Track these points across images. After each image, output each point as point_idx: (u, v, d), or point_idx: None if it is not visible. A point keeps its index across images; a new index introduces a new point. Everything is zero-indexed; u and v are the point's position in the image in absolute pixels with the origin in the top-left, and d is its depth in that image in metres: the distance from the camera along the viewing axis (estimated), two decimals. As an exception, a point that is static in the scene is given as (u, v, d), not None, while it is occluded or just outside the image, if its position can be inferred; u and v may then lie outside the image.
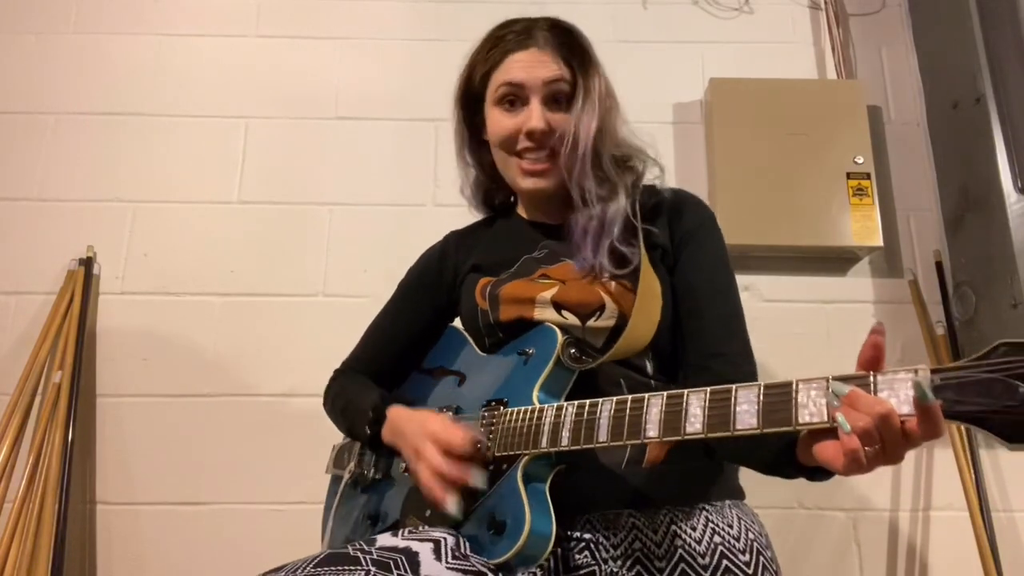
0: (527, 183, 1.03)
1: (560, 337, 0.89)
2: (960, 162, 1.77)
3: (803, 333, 1.78)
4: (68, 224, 1.83)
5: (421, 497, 0.93)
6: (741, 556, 0.87)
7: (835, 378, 0.64)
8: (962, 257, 1.74)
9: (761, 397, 0.67)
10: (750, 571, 0.86)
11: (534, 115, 1.00)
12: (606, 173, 1.00)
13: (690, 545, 0.86)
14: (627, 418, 0.76)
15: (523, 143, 1.01)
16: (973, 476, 1.60)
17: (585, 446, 0.78)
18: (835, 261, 1.83)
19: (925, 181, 1.89)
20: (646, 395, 0.75)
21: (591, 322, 0.94)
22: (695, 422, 0.70)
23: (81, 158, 1.89)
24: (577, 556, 0.87)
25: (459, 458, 0.85)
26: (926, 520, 1.68)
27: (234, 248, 1.84)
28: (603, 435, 0.77)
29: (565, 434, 0.80)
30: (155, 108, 1.94)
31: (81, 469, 1.67)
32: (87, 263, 1.78)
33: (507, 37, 1.05)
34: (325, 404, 1.16)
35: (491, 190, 1.17)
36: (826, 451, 0.66)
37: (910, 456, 1.71)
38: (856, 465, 0.62)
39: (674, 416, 0.72)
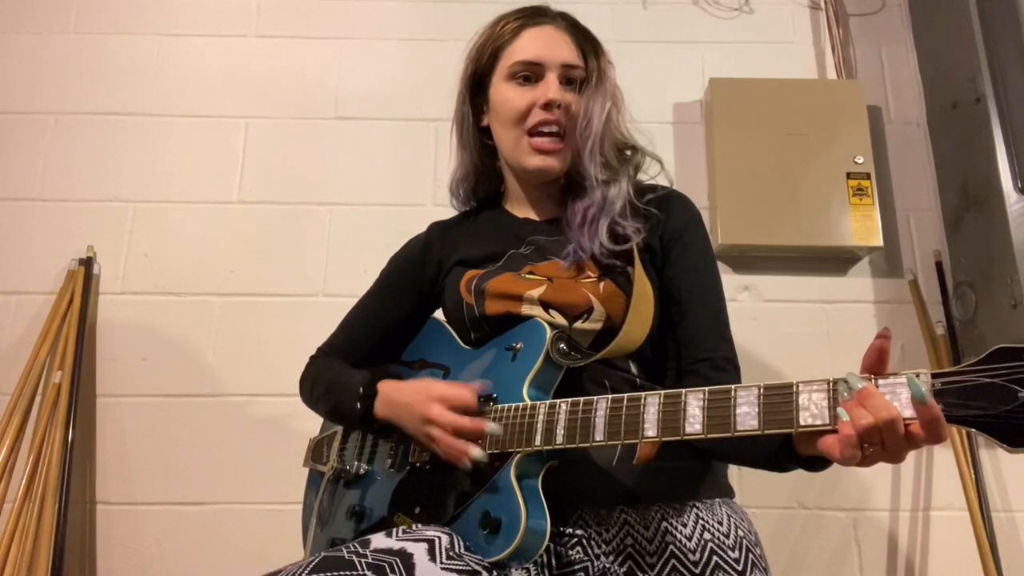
0: (536, 160, 1.02)
1: (549, 332, 0.88)
2: (960, 162, 1.77)
3: (803, 333, 1.78)
4: (68, 224, 1.83)
5: (408, 494, 0.93)
6: (731, 553, 0.87)
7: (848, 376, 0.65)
8: (962, 257, 1.74)
9: (761, 399, 0.67)
10: (739, 568, 0.86)
11: (552, 87, 1.00)
12: (608, 159, 1.01)
13: (681, 542, 0.87)
14: (624, 417, 0.76)
15: (537, 117, 1.00)
16: (973, 476, 1.60)
17: (581, 445, 0.78)
18: (835, 261, 1.83)
19: (925, 181, 1.89)
20: (642, 394, 0.76)
21: (578, 324, 0.94)
22: (694, 422, 0.70)
23: (81, 158, 1.89)
24: (570, 552, 0.88)
25: (468, 413, 0.86)
26: (926, 520, 1.68)
27: (234, 248, 1.84)
28: (599, 434, 0.77)
29: (560, 432, 0.80)
30: (155, 108, 1.93)
31: (81, 469, 1.67)
32: (87, 263, 1.78)
33: (518, 17, 1.05)
34: (302, 390, 1.13)
35: (481, 180, 1.15)
36: (825, 440, 0.66)
37: (910, 456, 1.70)
38: (852, 455, 0.63)
39: (673, 416, 0.72)
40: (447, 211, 1.23)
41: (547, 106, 1.00)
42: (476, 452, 0.84)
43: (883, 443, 0.62)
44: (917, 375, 0.61)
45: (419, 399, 0.89)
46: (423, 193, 1.88)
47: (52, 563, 1.51)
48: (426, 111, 1.93)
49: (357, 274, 1.82)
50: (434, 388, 0.89)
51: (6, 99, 1.93)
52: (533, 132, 1.01)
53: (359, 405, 0.97)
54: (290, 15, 2.03)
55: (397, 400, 0.93)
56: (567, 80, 1.02)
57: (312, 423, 1.73)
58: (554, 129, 1.01)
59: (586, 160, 1.00)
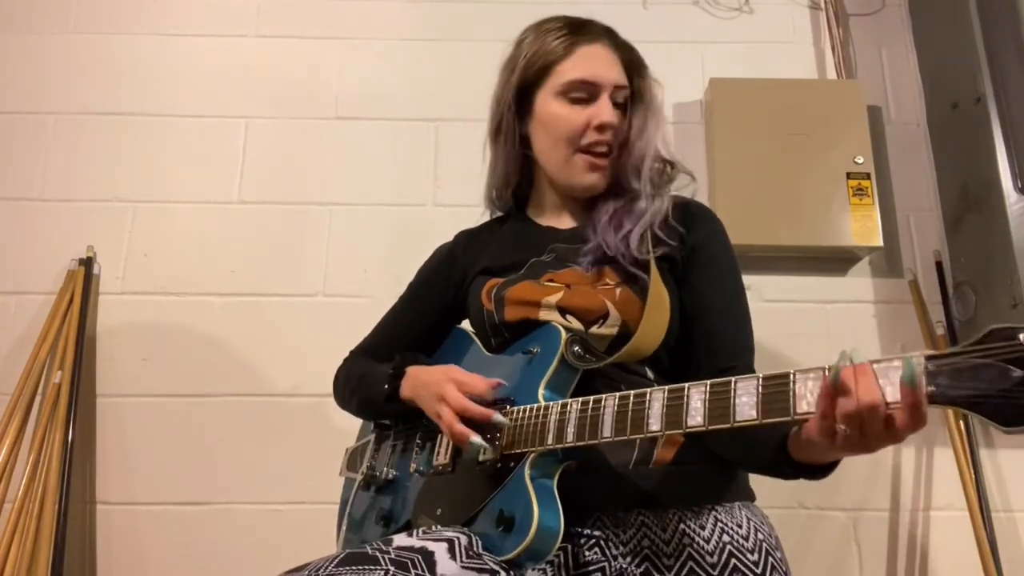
0: (591, 178, 1.05)
1: (564, 335, 0.90)
2: (960, 162, 1.77)
3: (803, 333, 1.78)
4: (68, 224, 1.83)
5: (431, 496, 0.95)
6: (750, 556, 0.87)
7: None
8: (962, 257, 1.74)
9: (760, 388, 0.68)
10: (758, 571, 0.86)
11: (606, 109, 1.03)
12: (652, 177, 1.04)
13: (698, 544, 0.87)
14: (630, 413, 0.77)
15: (590, 137, 1.03)
16: (973, 476, 1.60)
17: (590, 441, 0.80)
18: (835, 261, 1.83)
19: (925, 181, 1.89)
20: (648, 390, 0.77)
21: (594, 329, 0.95)
22: (696, 415, 0.71)
23: (81, 158, 1.89)
24: (587, 553, 0.88)
25: (479, 402, 0.89)
26: (926, 520, 1.68)
27: (234, 248, 1.84)
28: (607, 430, 0.78)
29: (570, 430, 0.81)
30: (155, 108, 1.93)
31: (81, 469, 1.67)
32: (87, 263, 1.78)
33: (568, 32, 1.07)
34: (335, 389, 1.18)
35: (519, 185, 1.17)
36: (808, 426, 0.67)
37: (910, 456, 1.71)
38: (827, 429, 0.64)
39: (676, 410, 0.73)
40: (447, 211, 1.23)
41: (600, 128, 1.02)
42: (475, 439, 0.86)
43: (861, 428, 0.62)
44: (912, 357, 0.60)
45: (439, 380, 0.93)
46: (423, 193, 1.88)
47: (52, 563, 1.51)
48: (426, 111, 1.93)
49: (357, 274, 1.83)
50: (453, 373, 0.94)
51: (6, 99, 1.93)
52: (584, 150, 1.04)
53: (387, 386, 1.02)
54: (290, 15, 2.03)
55: (420, 380, 0.98)
56: (613, 101, 1.04)
57: (311, 422, 1.73)
58: (604, 149, 1.04)
59: (641, 178, 1.03)
